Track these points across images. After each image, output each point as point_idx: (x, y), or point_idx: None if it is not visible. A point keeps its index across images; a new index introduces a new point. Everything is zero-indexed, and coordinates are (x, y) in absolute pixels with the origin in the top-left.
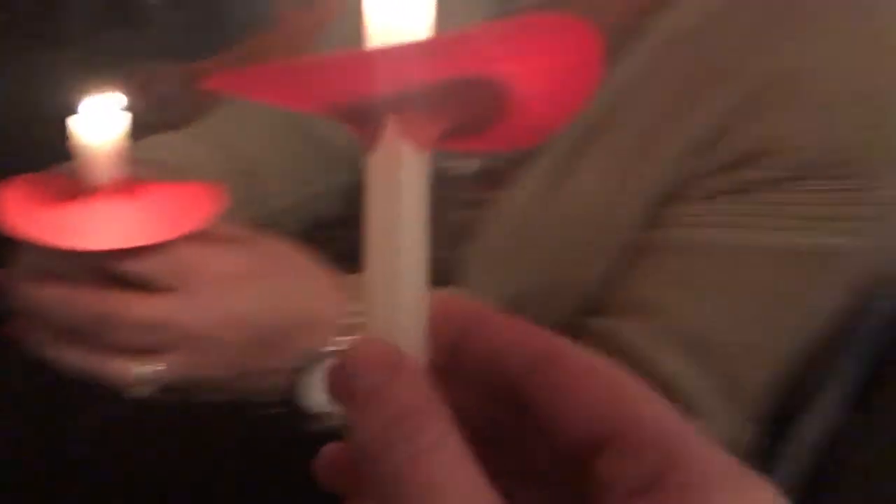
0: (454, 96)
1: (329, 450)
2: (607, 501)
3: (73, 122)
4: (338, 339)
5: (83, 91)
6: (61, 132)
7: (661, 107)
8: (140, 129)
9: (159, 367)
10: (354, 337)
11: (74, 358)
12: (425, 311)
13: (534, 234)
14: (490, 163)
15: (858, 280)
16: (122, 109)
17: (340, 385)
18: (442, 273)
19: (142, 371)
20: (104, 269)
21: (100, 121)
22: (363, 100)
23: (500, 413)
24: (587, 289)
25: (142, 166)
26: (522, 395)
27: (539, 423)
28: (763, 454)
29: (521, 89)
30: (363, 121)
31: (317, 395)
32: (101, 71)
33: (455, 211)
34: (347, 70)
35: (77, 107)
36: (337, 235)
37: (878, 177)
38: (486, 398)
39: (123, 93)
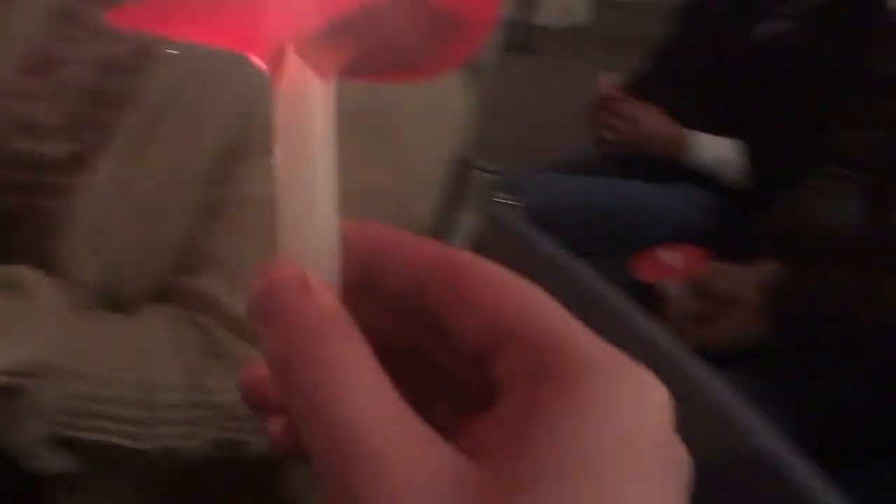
0: (355, 23)
1: (250, 369)
2: (501, 397)
3: None
4: None
5: None
6: None
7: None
8: None
9: None
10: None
11: None
12: (336, 234)
13: (122, 203)
14: (77, 146)
15: None
16: None
17: (253, 306)
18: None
19: None
20: None
21: None
22: (263, 31)
23: (412, 329)
24: (177, 249)
25: None
26: (430, 309)
27: (446, 335)
28: None
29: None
30: (266, 52)
31: None
32: None
33: (49, 196)
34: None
35: None
36: None
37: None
38: (400, 315)
39: None
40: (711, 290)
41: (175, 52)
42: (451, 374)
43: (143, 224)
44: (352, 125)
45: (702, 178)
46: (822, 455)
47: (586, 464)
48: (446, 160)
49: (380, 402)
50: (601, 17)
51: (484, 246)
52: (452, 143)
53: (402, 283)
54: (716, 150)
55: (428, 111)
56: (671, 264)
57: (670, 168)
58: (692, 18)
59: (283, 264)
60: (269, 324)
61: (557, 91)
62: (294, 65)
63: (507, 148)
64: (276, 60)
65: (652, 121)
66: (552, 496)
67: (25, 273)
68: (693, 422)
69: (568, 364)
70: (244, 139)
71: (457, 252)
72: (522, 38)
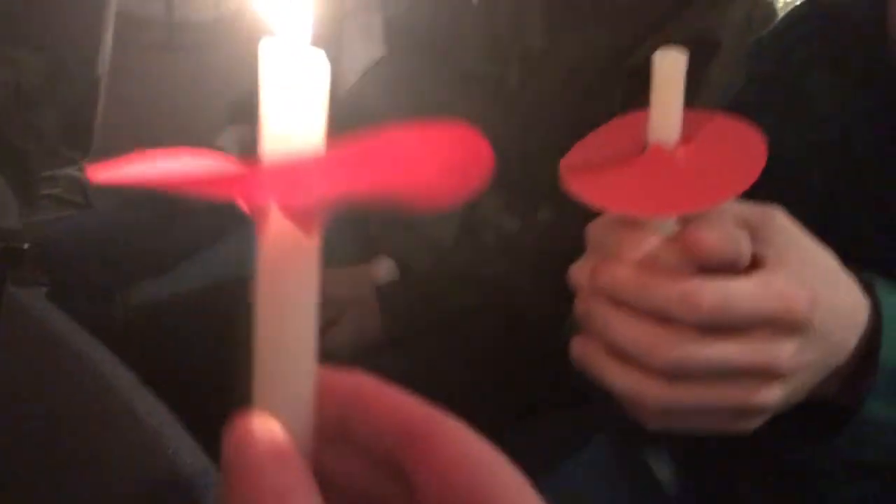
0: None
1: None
2: None
3: None
4: None
5: None
6: None
7: None
8: None
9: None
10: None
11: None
12: (313, 386)
13: None
14: None
15: None
16: None
17: (224, 456)
18: None
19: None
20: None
21: None
22: (248, 192)
23: (382, 479)
24: None
25: None
26: (400, 466)
27: (415, 493)
28: None
29: (404, 175)
30: (251, 206)
31: None
32: None
33: None
34: (240, 173)
35: None
36: None
37: None
38: (370, 465)
39: None
40: (323, 297)
41: None
42: None
43: None
44: None
45: None
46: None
47: None
48: None
49: None
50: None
51: None
52: None
53: (375, 435)
54: None
55: None
56: None
57: None
58: None
59: (255, 420)
60: (234, 480)
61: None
62: (278, 222)
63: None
64: (261, 215)
65: None
66: None
67: None
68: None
69: None
70: None
71: (431, 411)
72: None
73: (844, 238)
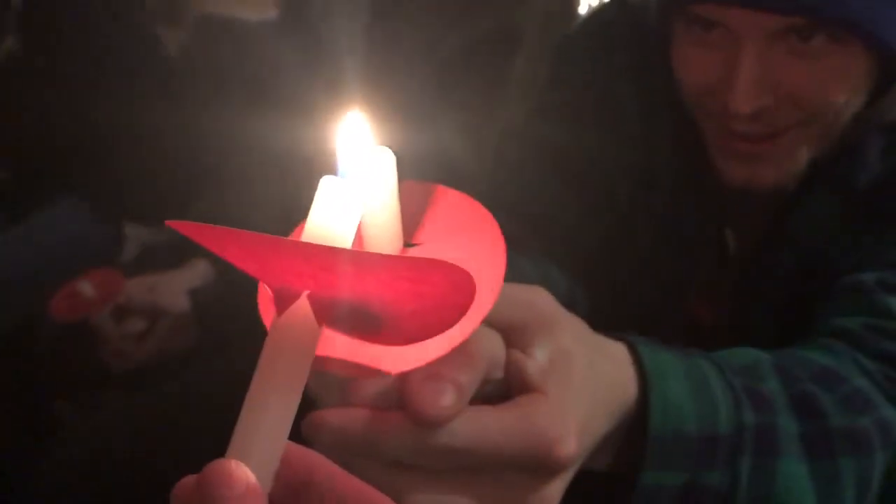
0: (354, 303)
1: (186, 483)
2: None
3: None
4: None
5: None
6: None
7: None
8: None
9: None
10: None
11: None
12: (278, 457)
13: None
14: None
15: None
16: None
17: (200, 488)
18: None
19: None
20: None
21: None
22: (287, 276)
23: None
24: None
25: None
26: None
27: None
28: None
29: (398, 308)
30: (280, 287)
31: None
32: None
33: None
34: (284, 253)
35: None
36: None
37: None
38: None
39: None
40: (134, 306)
41: None
42: None
43: None
44: None
45: None
46: None
47: None
48: None
49: None
50: None
51: None
52: None
53: None
54: None
55: None
56: (88, 296)
57: None
58: None
59: (232, 463)
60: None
61: None
62: (301, 308)
63: None
64: (287, 298)
65: None
66: None
67: None
68: None
69: None
70: None
71: (381, 500)
72: None
73: (640, 257)
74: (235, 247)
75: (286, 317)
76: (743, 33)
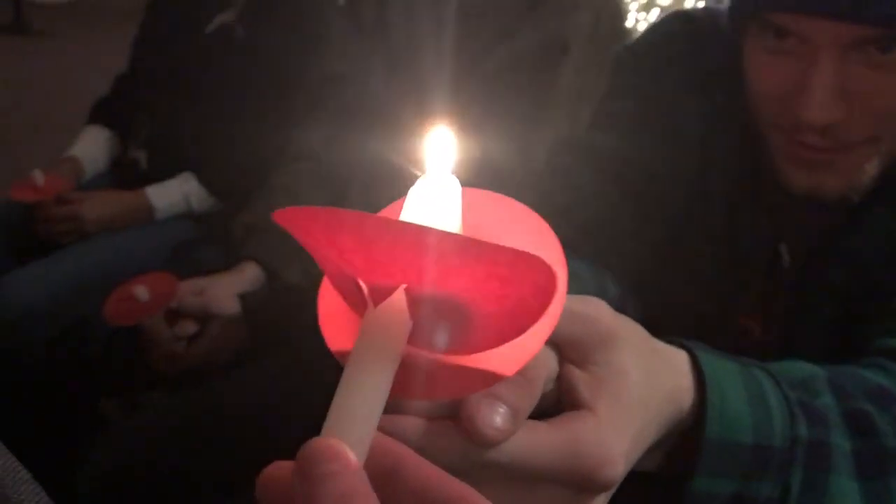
0: (443, 299)
1: (273, 469)
2: None
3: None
4: None
5: None
6: None
7: None
8: None
9: None
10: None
11: None
12: (371, 434)
13: None
14: None
15: None
16: None
17: (299, 463)
18: None
19: None
20: None
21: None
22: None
23: None
24: None
25: None
26: None
27: None
28: None
29: (479, 309)
30: (379, 280)
31: None
32: None
33: None
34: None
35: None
36: None
37: None
38: None
39: None
40: (186, 310)
41: None
42: None
43: None
44: None
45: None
46: None
47: None
48: None
49: None
50: None
51: None
52: None
53: (412, 500)
54: (171, 195)
55: None
56: (143, 300)
57: None
58: (156, 9)
59: (332, 440)
60: (313, 484)
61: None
62: (398, 298)
63: None
64: (384, 290)
65: (96, 205)
66: None
67: None
68: None
69: None
70: None
71: (461, 487)
72: (15, 17)
73: (692, 268)
74: (351, 236)
75: (383, 307)
76: (818, 43)
